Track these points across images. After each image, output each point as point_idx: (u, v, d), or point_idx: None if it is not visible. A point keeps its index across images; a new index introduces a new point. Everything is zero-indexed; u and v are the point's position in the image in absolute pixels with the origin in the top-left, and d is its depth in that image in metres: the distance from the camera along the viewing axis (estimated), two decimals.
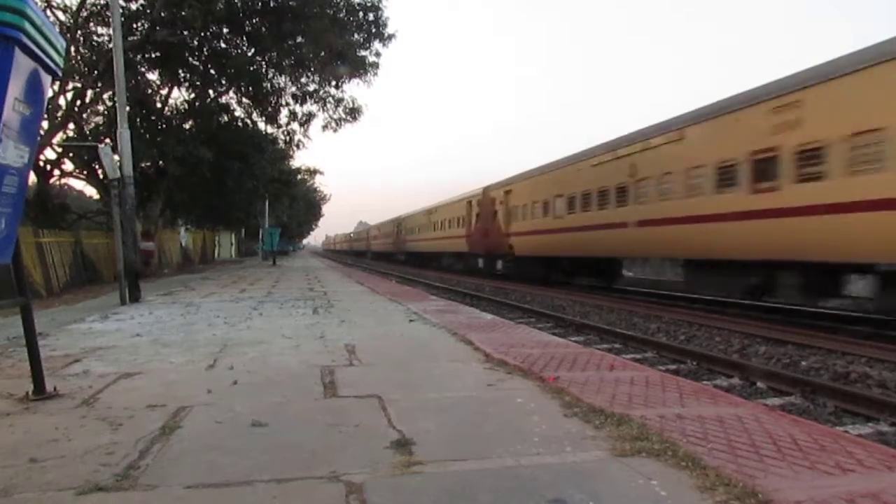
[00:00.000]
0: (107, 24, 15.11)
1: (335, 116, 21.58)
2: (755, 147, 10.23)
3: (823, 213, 8.86)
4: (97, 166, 17.41)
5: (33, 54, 2.96)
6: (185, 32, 16.12)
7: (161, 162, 18.49)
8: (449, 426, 2.82)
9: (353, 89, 56.67)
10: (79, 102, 17.20)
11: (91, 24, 16.59)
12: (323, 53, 18.05)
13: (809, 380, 5.96)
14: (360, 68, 19.79)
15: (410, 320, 7.00)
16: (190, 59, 18.02)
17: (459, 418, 2.95)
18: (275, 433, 2.73)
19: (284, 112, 21.93)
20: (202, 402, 3.29)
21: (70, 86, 16.52)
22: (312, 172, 40.00)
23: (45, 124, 14.54)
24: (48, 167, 17.85)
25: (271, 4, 16.62)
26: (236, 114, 22.11)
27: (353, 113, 21.62)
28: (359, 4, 18.40)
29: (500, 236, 22.66)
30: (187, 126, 19.88)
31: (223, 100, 21.15)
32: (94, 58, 16.55)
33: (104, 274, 16.43)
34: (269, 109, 21.21)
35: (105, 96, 17.45)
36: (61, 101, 16.55)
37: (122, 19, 11.61)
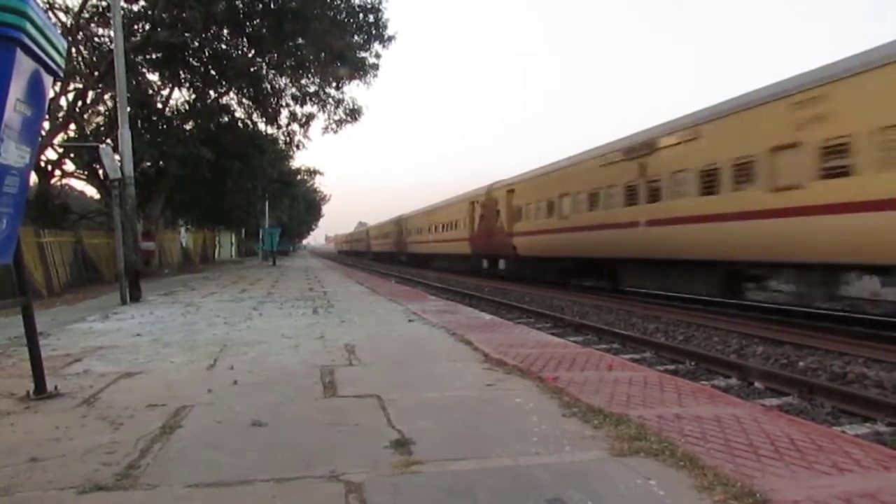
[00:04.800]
0: (108, 26, 15.14)
1: (335, 117, 21.63)
2: None
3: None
4: (98, 166, 17.43)
5: (35, 55, 2.97)
6: (186, 34, 16.13)
7: (161, 162, 18.52)
8: (448, 426, 2.84)
9: (353, 90, 56.86)
10: (80, 103, 17.21)
11: (92, 25, 16.63)
12: (323, 55, 18.06)
13: (807, 380, 5.97)
14: (360, 69, 19.82)
15: (410, 320, 7.01)
16: (191, 60, 18.04)
17: (458, 418, 2.96)
18: (275, 433, 2.74)
19: (285, 113, 21.97)
20: (202, 401, 3.30)
21: (71, 86, 16.54)
22: (312, 173, 40.04)
23: (46, 125, 14.56)
24: (49, 167, 17.87)
25: (272, 6, 16.63)
26: (237, 114, 22.17)
27: (354, 114, 21.66)
28: (359, 6, 18.43)
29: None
30: (188, 126, 19.89)
31: (224, 100, 21.18)
32: (95, 59, 16.58)
33: (105, 274, 16.44)
34: (270, 110, 21.22)
35: (106, 97, 17.48)
36: (62, 102, 16.56)
37: (124, 21, 11.63)
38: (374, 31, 19.03)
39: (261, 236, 37.44)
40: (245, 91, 20.18)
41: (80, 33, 16.05)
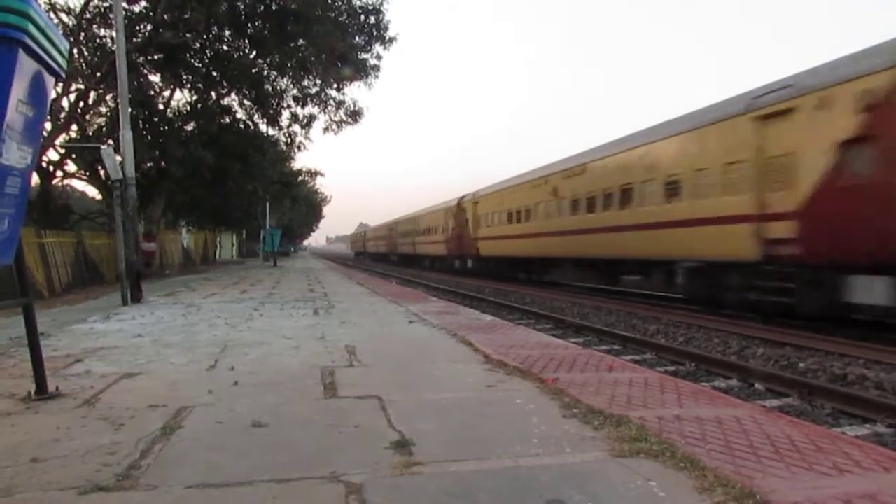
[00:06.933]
0: (110, 27, 15.16)
1: (336, 118, 21.60)
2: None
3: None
4: (99, 167, 17.44)
5: (37, 56, 2.98)
6: (188, 35, 16.13)
7: (163, 163, 18.53)
8: (448, 427, 2.84)
9: (354, 92, 56.74)
10: (81, 104, 17.22)
11: (94, 26, 16.64)
12: (325, 56, 18.06)
13: (807, 381, 5.96)
14: (362, 71, 19.82)
15: (410, 321, 7.01)
16: (192, 61, 18.04)
17: (459, 419, 2.96)
18: (275, 433, 2.74)
19: (286, 114, 21.94)
20: (203, 402, 3.30)
21: (73, 87, 16.55)
22: (313, 174, 39.96)
23: (47, 125, 14.57)
24: (51, 168, 17.88)
25: (273, 7, 16.64)
26: (238, 115, 22.12)
27: (355, 115, 21.65)
28: (360, 7, 18.44)
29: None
30: (189, 128, 19.88)
31: (225, 102, 21.16)
32: (97, 60, 16.60)
33: (106, 274, 16.44)
34: (271, 111, 21.21)
35: (108, 98, 17.47)
36: (64, 103, 16.56)
37: (126, 22, 11.64)
38: (375, 33, 19.04)
39: (262, 237, 37.43)
40: (246, 92, 20.17)
41: (82, 34, 16.07)
